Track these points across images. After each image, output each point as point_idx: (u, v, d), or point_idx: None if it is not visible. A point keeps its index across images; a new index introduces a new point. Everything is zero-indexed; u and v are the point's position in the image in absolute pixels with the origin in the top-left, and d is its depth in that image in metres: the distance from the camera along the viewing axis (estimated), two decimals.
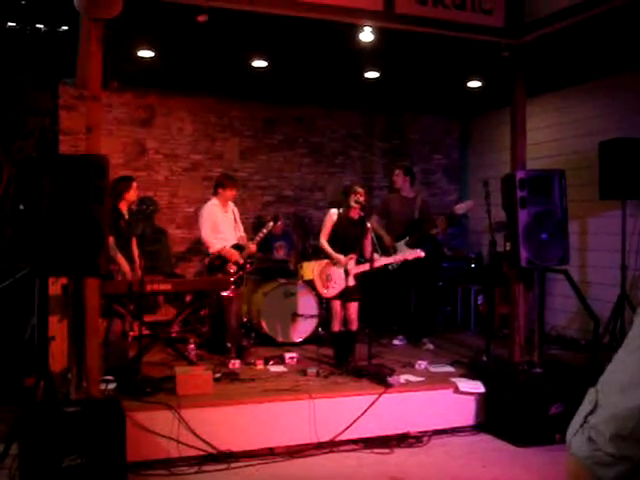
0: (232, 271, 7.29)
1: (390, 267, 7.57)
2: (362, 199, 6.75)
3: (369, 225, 6.81)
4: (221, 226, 7.41)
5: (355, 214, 6.80)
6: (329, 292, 6.83)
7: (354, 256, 6.77)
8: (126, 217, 6.77)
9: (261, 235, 7.55)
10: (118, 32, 5.61)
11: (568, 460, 1.46)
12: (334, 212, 6.85)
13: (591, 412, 1.40)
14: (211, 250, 7.33)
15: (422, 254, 6.89)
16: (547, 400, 5.76)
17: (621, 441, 1.34)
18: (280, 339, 8.00)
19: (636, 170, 7.14)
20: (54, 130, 8.90)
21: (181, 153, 9.75)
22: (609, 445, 1.35)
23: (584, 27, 6.07)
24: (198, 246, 9.22)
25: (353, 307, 6.81)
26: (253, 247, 7.51)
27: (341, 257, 6.74)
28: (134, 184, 6.88)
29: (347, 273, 6.70)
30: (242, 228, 7.76)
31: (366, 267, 6.64)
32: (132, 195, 6.84)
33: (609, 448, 1.35)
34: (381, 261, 6.73)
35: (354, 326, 6.85)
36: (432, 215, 8.22)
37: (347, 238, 6.79)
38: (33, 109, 8.66)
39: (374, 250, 6.63)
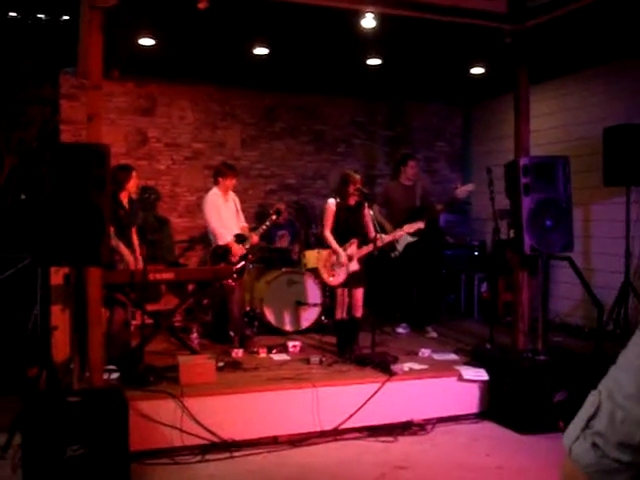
0: (235, 260, 7.28)
1: (392, 254, 7.55)
2: (361, 186, 6.72)
3: (366, 208, 6.75)
4: (223, 215, 7.39)
5: (352, 201, 6.77)
6: (334, 280, 6.79)
7: (355, 241, 6.74)
8: (126, 207, 6.74)
9: (264, 228, 7.55)
10: (118, 20, 5.59)
11: (565, 465, 1.42)
12: (332, 202, 6.80)
13: (593, 416, 1.34)
14: (220, 242, 7.30)
15: (422, 225, 6.89)
16: (551, 387, 5.74)
17: (628, 448, 1.31)
18: (283, 328, 8.00)
19: None
20: (55, 119, 8.90)
21: (182, 142, 9.72)
22: (616, 451, 1.32)
23: (588, 12, 6.03)
24: (200, 235, 9.21)
25: (359, 293, 6.79)
26: (255, 238, 7.50)
27: (341, 252, 6.71)
28: (134, 173, 6.83)
29: (350, 258, 6.68)
30: (243, 217, 7.74)
31: (369, 248, 6.60)
32: (132, 185, 6.81)
33: (616, 454, 1.31)
34: (383, 239, 6.69)
35: (359, 313, 6.82)
36: (433, 202, 8.19)
37: (347, 225, 6.76)
38: (34, 99, 8.65)
39: (376, 230, 6.58)
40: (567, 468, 1.38)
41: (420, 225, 6.90)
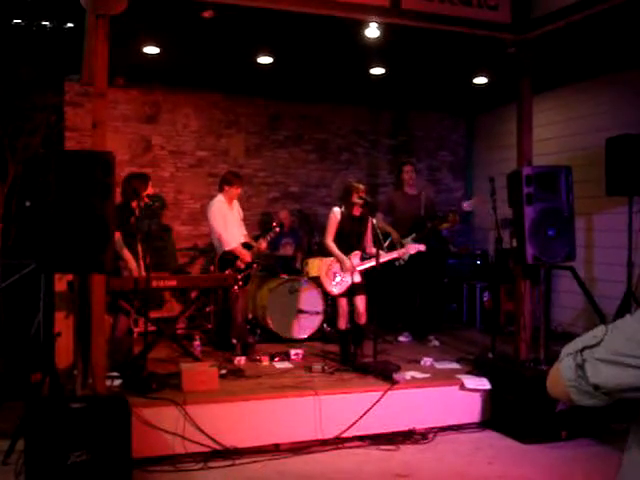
0: (241, 267, 7.28)
1: (397, 263, 7.56)
2: (364, 195, 6.74)
3: (372, 221, 6.77)
4: (229, 223, 7.39)
5: (357, 211, 6.79)
6: (336, 289, 6.80)
7: (358, 253, 6.76)
8: (137, 214, 6.73)
9: (267, 239, 7.54)
10: (124, 28, 5.61)
11: (555, 369, 1.60)
12: (337, 211, 6.81)
13: (591, 347, 1.50)
14: (226, 248, 7.29)
15: (423, 248, 6.91)
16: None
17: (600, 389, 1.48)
18: (285, 335, 8.00)
19: None
20: (60, 127, 8.93)
21: (186, 149, 9.75)
22: (597, 378, 1.47)
23: (591, 23, 6.05)
24: (204, 242, 9.23)
25: (361, 301, 6.80)
26: (264, 244, 7.48)
27: (345, 259, 6.73)
28: (150, 183, 6.80)
29: (353, 269, 6.70)
30: (244, 227, 7.72)
31: (371, 263, 6.62)
32: (147, 193, 6.76)
33: (594, 380, 1.47)
34: (385, 257, 6.72)
35: (363, 320, 6.83)
36: (437, 212, 8.22)
37: (350, 236, 6.77)
38: (39, 106, 8.66)
39: (378, 246, 6.60)
40: (555, 371, 1.61)
41: (420, 248, 6.92)
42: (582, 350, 1.51)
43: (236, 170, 8.47)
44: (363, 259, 6.78)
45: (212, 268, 7.93)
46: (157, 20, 6.53)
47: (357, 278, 6.72)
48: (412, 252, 6.99)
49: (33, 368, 5.98)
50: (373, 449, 5.53)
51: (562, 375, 1.55)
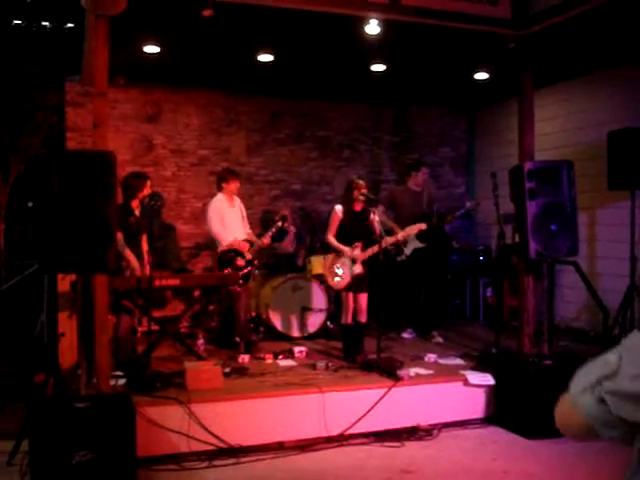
0: (241, 266, 7.27)
1: (399, 259, 7.56)
2: (365, 191, 6.74)
3: (372, 213, 6.76)
4: (228, 221, 7.38)
5: (359, 207, 6.79)
6: (339, 283, 6.81)
7: (359, 244, 6.76)
8: (136, 214, 6.73)
9: (269, 235, 7.52)
10: (124, 28, 5.61)
11: (564, 405, 1.56)
12: (339, 209, 6.83)
13: (607, 377, 1.41)
14: (223, 244, 7.30)
15: (424, 226, 6.93)
16: (557, 392, 5.71)
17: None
18: (289, 333, 8.00)
19: None
20: (61, 127, 8.93)
21: (188, 148, 9.75)
22: (623, 411, 1.38)
23: (591, 17, 6.04)
24: (206, 241, 9.23)
25: (363, 298, 6.81)
26: (266, 240, 7.47)
27: (346, 248, 6.74)
28: (148, 183, 6.79)
29: (354, 261, 6.71)
30: (248, 225, 7.73)
31: (374, 250, 6.61)
32: (144, 193, 6.75)
33: (622, 413, 1.38)
34: (387, 240, 6.69)
35: (363, 317, 6.84)
36: (440, 208, 8.23)
37: (354, 231, 6.78)
38: (40, 106, 8.67)
39: (381, 233, 6.57)
40: (565, 409, 1.55)
41: (421, 226, 6.94)
42: (598, 383, 1.42)
43: (237, 168, 8.47)
44: (365, 249, 6.77)
45: (212, 265, 7.90)
46: (157, 19, 6.52)
47: (359, 269, 6.72)
48: (414, 232, 6.99)
49: (37, 368, 5.98)
50: (378, 446, 5.54)
51: (583, 413, 1.45)
